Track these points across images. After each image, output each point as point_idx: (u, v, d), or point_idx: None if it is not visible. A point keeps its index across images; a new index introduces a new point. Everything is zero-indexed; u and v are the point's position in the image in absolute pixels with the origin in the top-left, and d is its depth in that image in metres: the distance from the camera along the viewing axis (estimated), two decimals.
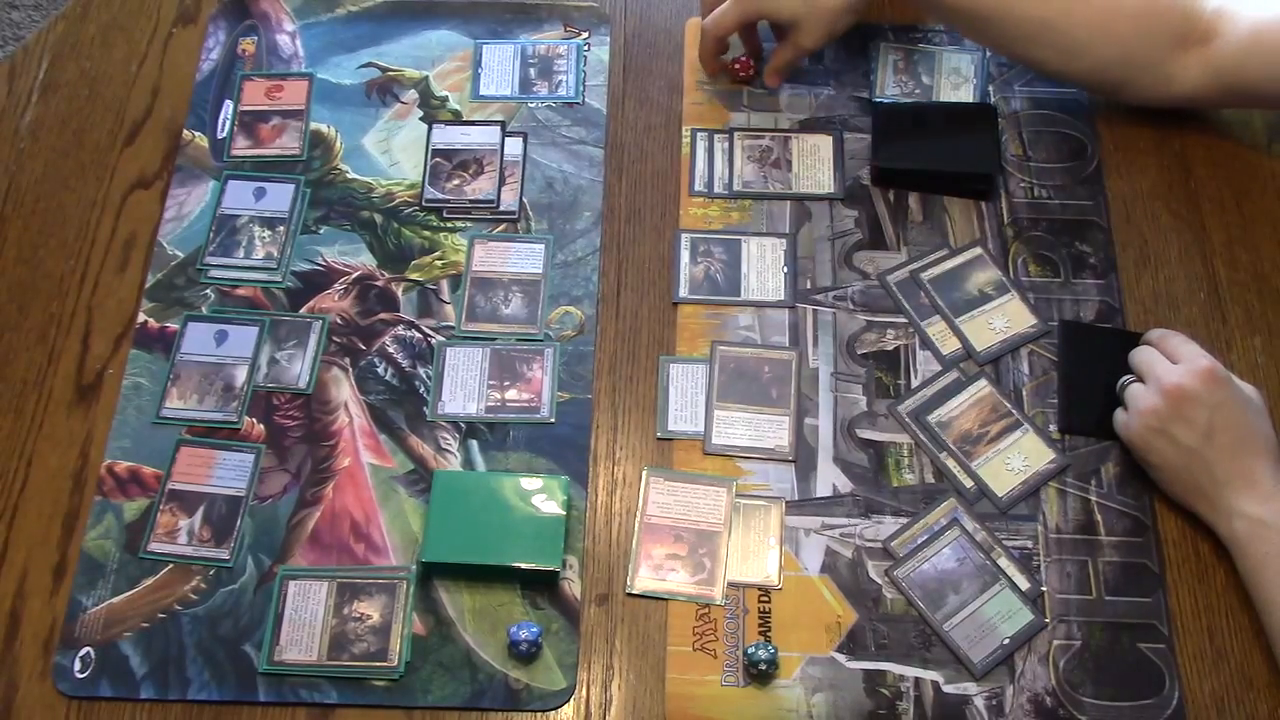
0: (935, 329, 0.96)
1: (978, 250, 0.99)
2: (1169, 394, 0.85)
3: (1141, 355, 0.89)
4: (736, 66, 1.07)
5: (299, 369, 0.94)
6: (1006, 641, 0.83)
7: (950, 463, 0.90)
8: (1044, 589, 0.85)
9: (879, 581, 0.86)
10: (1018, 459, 0.90)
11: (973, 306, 0.96)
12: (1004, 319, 0.96)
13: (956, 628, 0.84)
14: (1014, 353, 0.95)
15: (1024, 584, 0.85)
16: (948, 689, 0.82)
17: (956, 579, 0.85)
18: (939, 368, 0.94)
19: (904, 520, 0.88)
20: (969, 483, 0.89)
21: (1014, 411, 0.92)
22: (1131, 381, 0.89)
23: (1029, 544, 0.87)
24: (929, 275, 0.98)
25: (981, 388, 0.93)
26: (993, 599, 0.85)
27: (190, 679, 0.83)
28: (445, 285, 0.98)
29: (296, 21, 1.11)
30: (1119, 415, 0.89)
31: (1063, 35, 0.96)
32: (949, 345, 0.95)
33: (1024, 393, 0.93)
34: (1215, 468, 0.83)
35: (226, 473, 0.90)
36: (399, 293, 0.97)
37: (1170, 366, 0.87)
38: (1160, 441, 0.85)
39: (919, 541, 0.87)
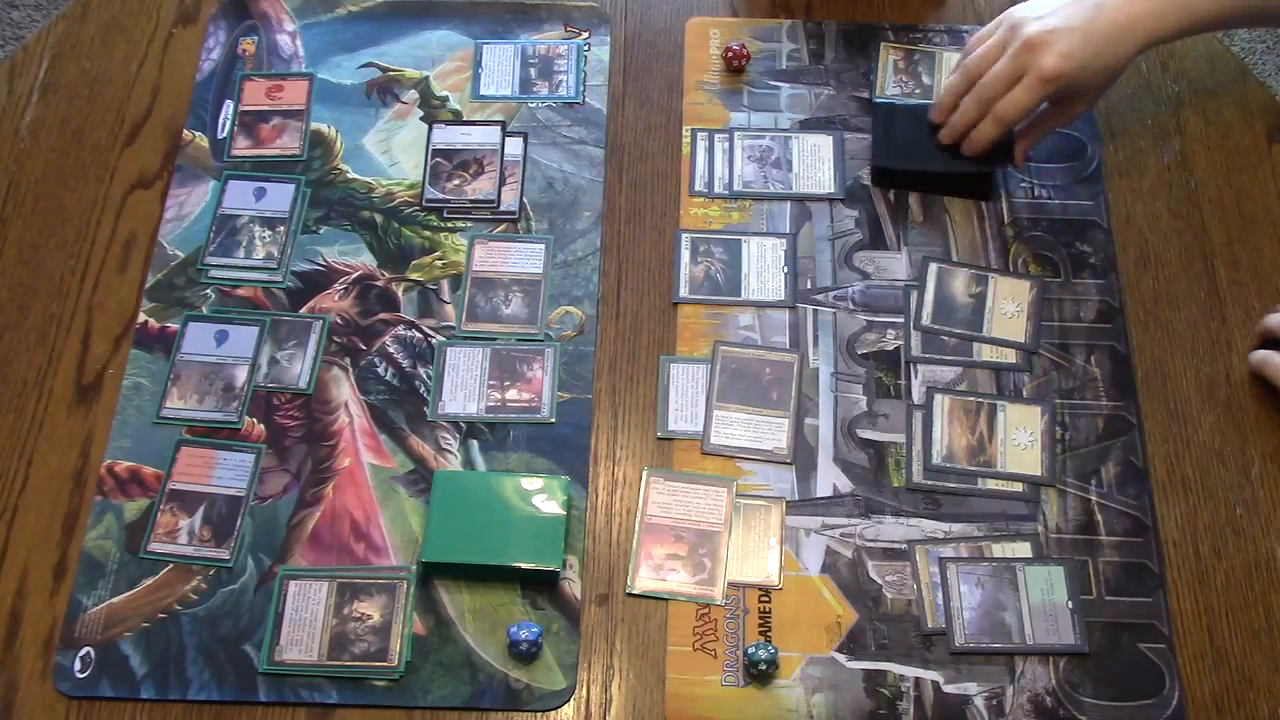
0: None
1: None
2: None
3: None
4: (729, 55, 1.07)
5: (299, 369, 0.94)
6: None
7: (985, 483, 0.89)
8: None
9: (879, 581, 0.86)
10: (1023, 434, 0.90)
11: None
12: None
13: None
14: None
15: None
16: (948, 689, 0.82)
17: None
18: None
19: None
20: (1016, 486, 0.89)
21: (981, 399, 0.92)
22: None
23: (1029, 545, 0.87)
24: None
25: (943, 401, 0.92)
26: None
27: (190, 679, 0.83)
28: (445, 285, 0.98)
29: (296, 21, 1.11)
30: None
31: None
32: None
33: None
34: None
35: (227, 473, 0.90)
36: (399, 293, 0.97)
37: None
38: None
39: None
